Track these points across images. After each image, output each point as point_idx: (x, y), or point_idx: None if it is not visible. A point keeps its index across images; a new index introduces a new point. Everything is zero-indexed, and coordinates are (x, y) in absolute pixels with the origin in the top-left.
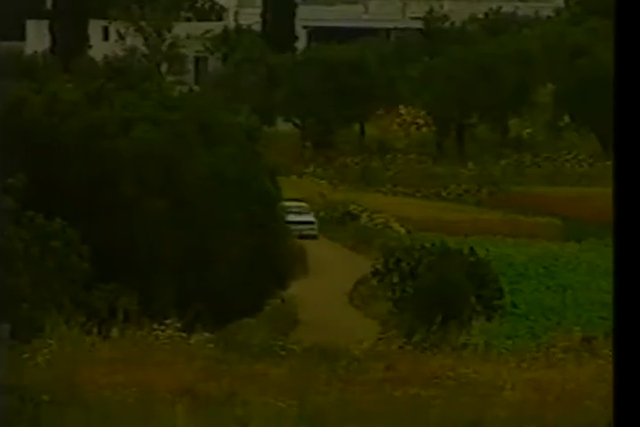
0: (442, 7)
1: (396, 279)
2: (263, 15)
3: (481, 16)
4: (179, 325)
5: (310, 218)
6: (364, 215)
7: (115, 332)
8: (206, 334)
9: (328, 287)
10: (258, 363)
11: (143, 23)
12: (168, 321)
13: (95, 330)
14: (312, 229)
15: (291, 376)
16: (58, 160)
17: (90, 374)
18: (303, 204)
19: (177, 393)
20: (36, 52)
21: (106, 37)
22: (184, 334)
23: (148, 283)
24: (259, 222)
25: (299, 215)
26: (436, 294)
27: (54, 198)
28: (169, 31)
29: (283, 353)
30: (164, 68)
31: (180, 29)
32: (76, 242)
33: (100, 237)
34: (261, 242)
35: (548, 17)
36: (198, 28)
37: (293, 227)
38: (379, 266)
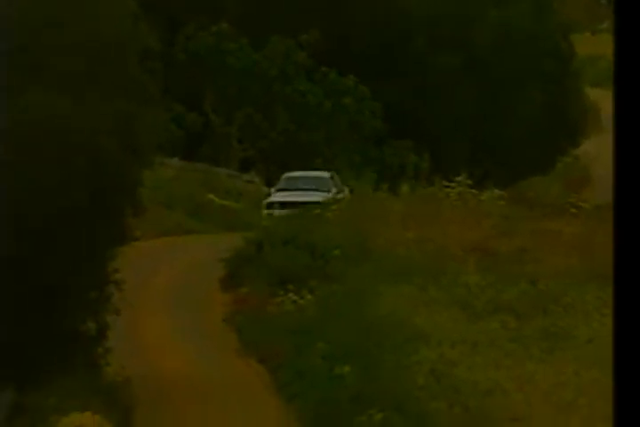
0: None
1: None
2: None
3: None
4: (470, 182)
5: (314, 197)
6: None
7: (405, 188)
8: (497, 191)
9: None
10: (549, 220)
11: None
12: (459, 178)
13: (385, 186)
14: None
15: (582, 234)
16: (350, 17)
17: (380, 229)
18: (325, 173)
19: (468, 250)
20: None
21: None
22: (475, 191)
23: (440, 140)
24: (551, 79)
25: (299, 194)
26: None
27: (347, 55)
28: None
29: (574, 211)
30: None
31: None
32: (369, 99)
33: (393, 94)
34: (554, 98)
35: None
36: None
37: (278, 211)
38: None
